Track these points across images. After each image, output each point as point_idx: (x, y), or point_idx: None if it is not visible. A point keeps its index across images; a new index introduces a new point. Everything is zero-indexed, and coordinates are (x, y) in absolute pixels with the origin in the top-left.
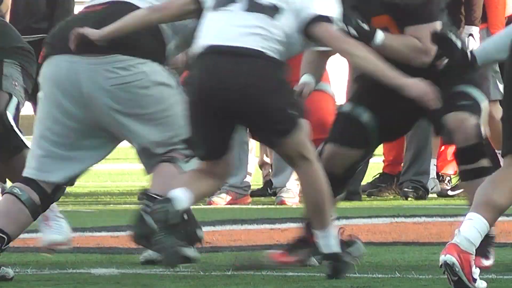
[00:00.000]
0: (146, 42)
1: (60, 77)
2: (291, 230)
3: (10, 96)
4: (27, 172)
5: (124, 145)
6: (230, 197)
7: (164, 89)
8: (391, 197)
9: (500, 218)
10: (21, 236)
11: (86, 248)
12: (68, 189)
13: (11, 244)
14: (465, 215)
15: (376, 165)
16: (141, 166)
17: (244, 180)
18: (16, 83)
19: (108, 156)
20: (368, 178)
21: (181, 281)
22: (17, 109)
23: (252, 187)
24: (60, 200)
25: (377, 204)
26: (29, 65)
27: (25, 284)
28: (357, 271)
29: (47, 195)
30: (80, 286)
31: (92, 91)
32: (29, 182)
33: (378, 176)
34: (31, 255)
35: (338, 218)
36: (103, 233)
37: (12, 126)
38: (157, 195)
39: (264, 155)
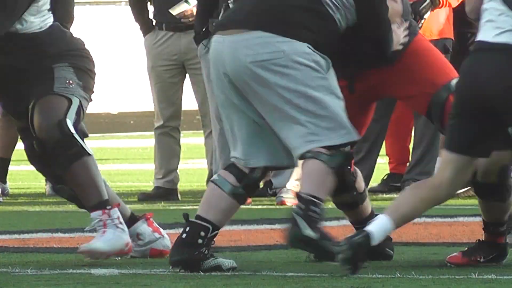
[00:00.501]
0: (298, 23)
1: (212, 59)
2: None
3: (70, 101)
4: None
5: (124, 145)
6: None
7: (306, 70)
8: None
9: None
10: (21, 236)
11: None
12: None
13: (11, 244)
14: (464, 215)
15: (382, 165)
16: (140, 167)
17: None
18: (71, 81)
19: (108, 156)
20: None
21: (181, 281)
22: (78, 114)
23: None
24: (61, 199)
25: (377, 204)
26: (82, 63)
27: (25, 284)
28: None
29: (245, 175)
30: (80, 286)
31: (234, 68)
32: (228, 166)
33: (386, 177)
34: (31, 255)
35: (338, 219)
36: None
37: (71, 133)
38: (310, 195)
39: None
